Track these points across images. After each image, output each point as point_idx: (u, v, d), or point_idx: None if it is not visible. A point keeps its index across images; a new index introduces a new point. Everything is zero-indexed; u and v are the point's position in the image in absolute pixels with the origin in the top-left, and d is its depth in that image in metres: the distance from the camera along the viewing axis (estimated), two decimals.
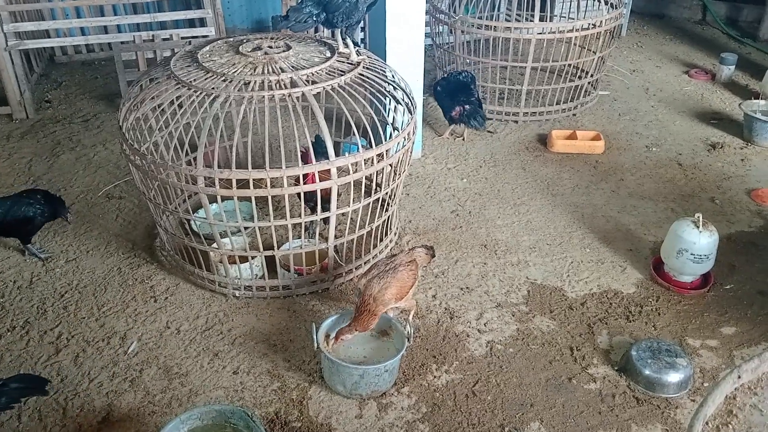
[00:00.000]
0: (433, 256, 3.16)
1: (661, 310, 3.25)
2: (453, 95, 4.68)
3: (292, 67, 3.19)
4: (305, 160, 3.34)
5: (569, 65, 5.16)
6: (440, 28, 5.40)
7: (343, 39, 3.42)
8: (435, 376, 2.86)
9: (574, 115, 5.28)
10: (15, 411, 2.65)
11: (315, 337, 2.72)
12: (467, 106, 4.62)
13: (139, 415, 2.65)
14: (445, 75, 4.95)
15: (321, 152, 3.23)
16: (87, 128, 5.00)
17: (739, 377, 1.16)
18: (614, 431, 2.61)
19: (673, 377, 2.77)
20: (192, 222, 3.47)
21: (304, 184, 3.04)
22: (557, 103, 5.20)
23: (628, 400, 2.76)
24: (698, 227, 3.25)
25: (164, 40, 5.26)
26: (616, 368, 2.91)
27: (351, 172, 3.09)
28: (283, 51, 3.31)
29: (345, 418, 2.66)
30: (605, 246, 3.72)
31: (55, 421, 2.62)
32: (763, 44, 6.78)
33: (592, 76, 5.28)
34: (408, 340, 2.80)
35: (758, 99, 5.08)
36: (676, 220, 3.41)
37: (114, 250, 3.61)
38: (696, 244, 3.24)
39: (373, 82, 3.29)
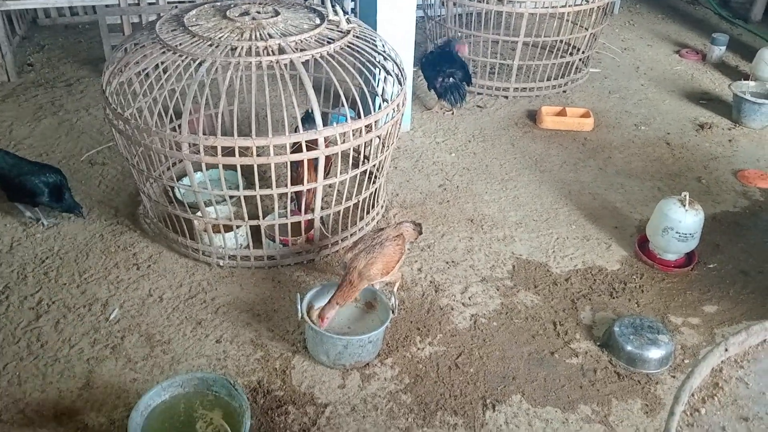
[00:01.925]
0: (420, 233, 3.14)
1: (645, 288, 3.27)
2: (436, 66, 4.62)
3: (281, 33, 3.13)
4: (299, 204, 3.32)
5: (561, 41, 5.12)
6: None
7: (333, 6, 3.35)
8: (419, 348, 2.86)
9: (564, 91, 5.25)
10: None
11: (299, 307, 2.71)
12: (449, 79, 4.56)
13: (120, 382, 2.63)
14: (434, 48, 4.89)
15: (310, 125, 3.19)
16: (70, 93, 4.90)
17: (726, 350, 1.16)
18: (595, 405, 2.64)
19: (655, 353, 2.79)
20: (176, 190, 3.42)
21: (292, 147, 3.00)
22: (548, 80, 5.16)
23: (610, 375, 2.78)
24: (684, 206, 3.26)
25: (150, 4, 5.15)
26: (598, 344, 2.93)
27: (339, 142, 3.05)
28: (272, 17, 3.24)
29: (328, 387, 2.66)
30: (591, 223, 3.72)
31: (35, 387, 2.60)
32: (754, 26, 6.77)
33: (583, 53, 5.24)
34: (392, 312, 2.79)
35: (748, 80, 5.07)
36: (662, 198, 3.41)
37: (96, 217, 3.56)
38: (681, 222, 3.25)
39: (363, 52, 3.24)
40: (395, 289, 2.96)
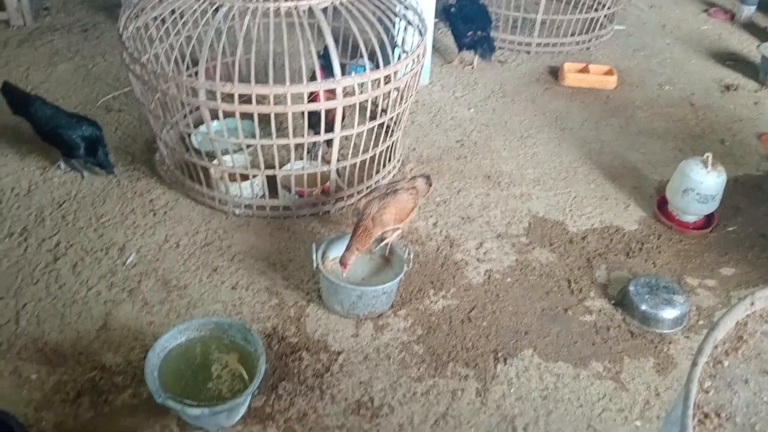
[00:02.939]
0: (431, 185, 3.11)
1: (662, 249, 3.24)
2: (468, 19, 4.52)
3: None
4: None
5: None
6: None
7: None
8: (432, 301, 2.87)
9: (588, 48, 5.14)
10: (13, 314, 2.66)
11: (314, 257, 2.71)
12: (480, 32, 4.47)
13: (137, 324, 2.66)
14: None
15: (326, 66, 3.14)
16: (86, 38, 4.86)
17: (752, 304, 1.15)
18: (607, 362, 2.64)
19: (669, 313, 2.78)
20: (192, 138, 3.40)
21: (310, 97, 2.97)
22: (571, 35, 5.04)
23: (623, 334, 2.78)
24: (707, 167, 3.20)
25: None
26: (612, 302, 2.92)
27: (357, 93, 3.01)
28: None
29: (341, 336, 2.68)
30: (610, 182, 3.68)
31: (54, 327, 2.64)
32: None
33: (608, 8, 5.10)
34: (407, 264, 2.79)
35: None
36: (684, 159, 3.35)
37: (113, 163, 3.56)
38: (703, 183, 3.19)
39: (383, 0, 3.16)
40: (393, 238, 2.85)
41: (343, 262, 2.71)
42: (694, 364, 1.04)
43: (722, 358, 1.12)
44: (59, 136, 3.31)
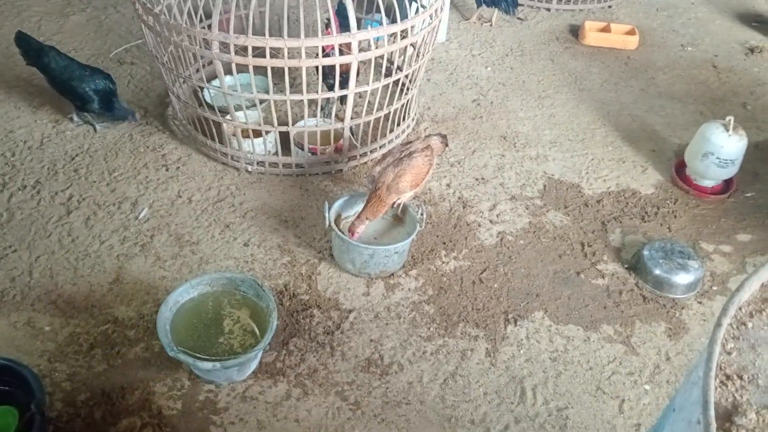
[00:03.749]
0: (447, 145, 3.07)
1: (678, 213, 3.20)
2: None
3: None
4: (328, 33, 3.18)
5: None
6: None
7: None
8: (443, 262, 2.86)
9: (610, 7, 4.99)
10: (26, 266, 2.69)
11: (327, 215, 2.70)
12: None
13: (149, 279, 2.68)
14: None
15: (342, 22, 3.07)
16: None
17: None
18: (618, 326, 2.64)
19: (683, 278, 2.75)
20: (206, 92, 3.37)
21: (324, 53, 2.91)
22: None
23: (635, 298, 2.76)
24: (728, 131, 3.13)
25: None
26: (626, 266, 2.90)
27: (372, 48, 2.94)
28: None
29: (353, 294, 2.68)
30: (628, 145, 3.61)
31: (67, 279, 2.66)
32: None
33: None
34: (419, 225, 2.77)
35: None
36: (705, 122, 3.28)
37: (131, 109, 3.53)
38: (723, 147, 3.13)
39: None
40: (406, 198, 2.81)
41: (351, 230, 2.69)
42: (718, 324, 1.02)
43: (746, 319, 1.10)
44: (73, 88, 3.28)
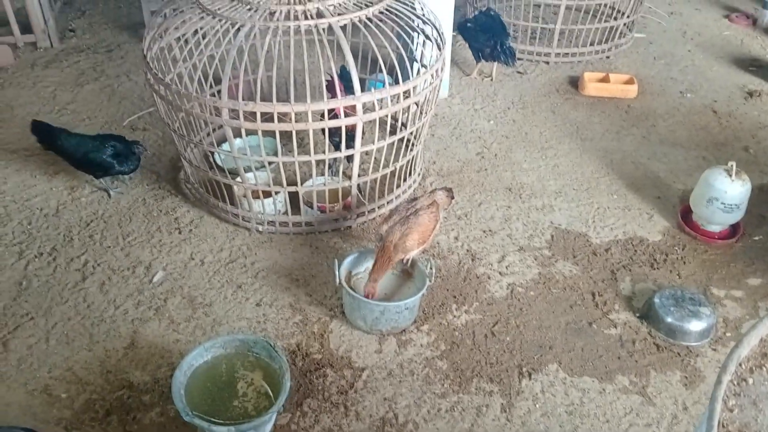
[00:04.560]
0: (452, 198, 3.12)
1: (687, 259, 3.21)
2: (486, 30, 4.51)
3: None
4: (331, 90, 3.28)
5: (605, 5, 4.96)
6: None
7: None
8: (455, 316, 2.87)
9: (608, 57, 5.11)
10: (43, 334, 2.72)
11: (337, 273, 2.73)
12: (498, 43, 4.46)
13: (163, 342, 2.70)
14: (475, 13, 4.79)
15: (346, 85, 3.17)
16: (111, 58, 4.96)
17: None
18: (633, 376, 2.62)
19: (696, 326, 2.75)
20: (216, 156, 3.45)
21: (330, 114, 3.00)
22: (591, 45, 5.02)
23: (649, 347, 2.75)
24: (731, 176, 3.17)
25: None
26: (637, 315, 2.90)
27: (376, 108, 3.03)
28: None
29: (365, 352, 2.69)
30: (633, 193, 3.65)
31: (82, 346, 2.69)
32: None
33: (628, 17, 5.08)
34: (429, 279, 2.80)
35: None
36: (707, 168, 3.32)
37: (138, 182, 3.63)
38: (727, 192, 3.16)
39: (401, 16, 3.19)
40: (414, 253, 2.84)
41: (369, 292, 2.73)
42: (718, 382, 1.03)
43: (747, 375, 1.12)
44: (91, 160, 3.38)
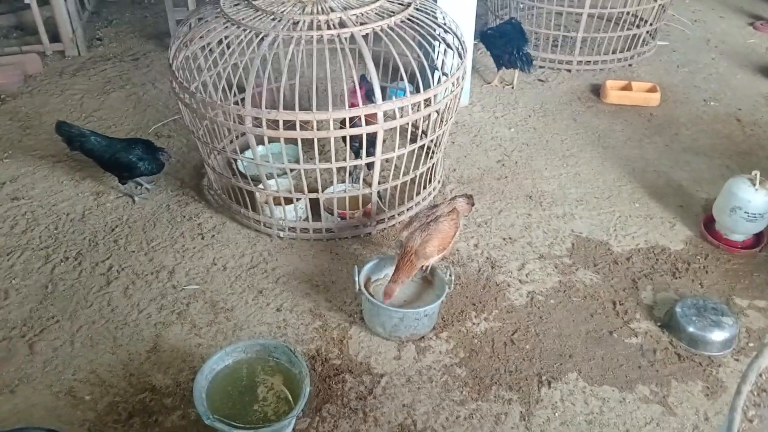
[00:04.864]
0: (473, 205, 3.13)
1: (709, 269, 3.17)
2: (505, 38, 4.52)
3: (342, 6, 3.14)
4: (353, 98, 3.31)
5: (627, 13, 4.95)
6: None
7: None
8: (474, 323, 2.88)
9: (630, 65, 5.09)
10: (68, 336, 2.77)
11: (357, 279, 2.75)
12: (517, 50, 4.47)
13: (185, 346, 2.74)
14: (498, 21, 4.81)
15: (366, 93, 3.20)
16: (137, 67, 5.05)
17: None
18: (654, 386, 2.60)
19: (718, 335, 2.72)
20: (239, 163, 3.50)
21: (351, 122, 3.02)
22: (613, 53, 5.01)
23: (670, 356, 2.73)
24: (755, 185, 3.14)
25: None
26: (659, 324, 2.87)
27: (397, 116, 3.05)
28: None
29: (384, 358, 2.70)
30: (655, 201, 3.63)
31: (106, 349, 2.74)
32: None
33: (651, 24, 5.05)
34: (448, 287, 2.80)
35: None
36: (731, 177, 3.29)
37: (163, 188, 3.69)
38: (751, 202, 3.13)
39: (423, 25, 3.22)
40: (435, 260, 2.84)
41: (387, 292, 2.74)
42: (738, 392, 1.03)
43: (766, 386, 1.11)
44: (119, 161, 3.44)
